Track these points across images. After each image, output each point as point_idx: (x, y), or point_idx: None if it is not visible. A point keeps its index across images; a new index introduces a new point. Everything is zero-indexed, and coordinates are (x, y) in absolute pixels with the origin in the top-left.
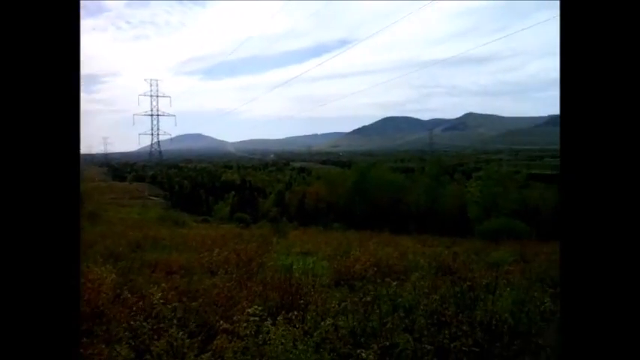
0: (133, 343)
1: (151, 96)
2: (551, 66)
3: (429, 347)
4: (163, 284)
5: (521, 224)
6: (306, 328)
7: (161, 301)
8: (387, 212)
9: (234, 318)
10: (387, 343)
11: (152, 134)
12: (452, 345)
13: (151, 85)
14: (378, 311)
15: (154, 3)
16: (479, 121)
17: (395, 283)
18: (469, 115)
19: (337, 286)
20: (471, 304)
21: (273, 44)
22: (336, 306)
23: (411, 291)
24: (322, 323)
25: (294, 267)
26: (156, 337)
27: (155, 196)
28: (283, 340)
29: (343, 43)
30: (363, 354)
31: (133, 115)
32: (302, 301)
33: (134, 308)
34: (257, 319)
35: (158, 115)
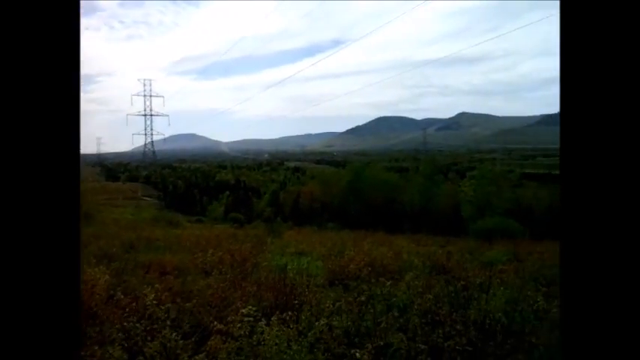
0: (126, 345)
1: (145, 96)
2: (542, 66)
3: (422, 346)
4: (157, 285)
5: (514, 223)
6: (300, 328)
7: (155, 301)
8: (381, 212)
9: (229, 318)
10: (381, 343)
11: (146, 134)
12: (446, 344)
13: (144, 85)
14: (372, 311)
15: (147, 3)
16: (472, 120)
17: (389, 283)
18: (462, 115)
19: (331, 286)
20: (465, 303)
21: (266, 44)
22: (331, 306)
23: (405, 290)
24: (316, 323)
25: (289, 267)
26: (149, 338)
27: (149, 197)
28: (277, 341)
29: (336, 44)
30: (357, 354)
31: (127, 115)
32: (296, 302)
33: (127, 309)
34: (251, 319)
35: (152, 115)
